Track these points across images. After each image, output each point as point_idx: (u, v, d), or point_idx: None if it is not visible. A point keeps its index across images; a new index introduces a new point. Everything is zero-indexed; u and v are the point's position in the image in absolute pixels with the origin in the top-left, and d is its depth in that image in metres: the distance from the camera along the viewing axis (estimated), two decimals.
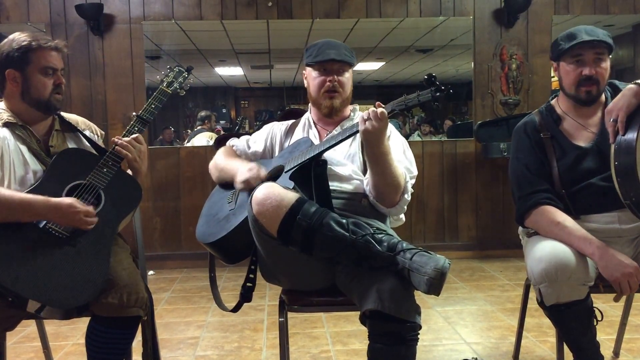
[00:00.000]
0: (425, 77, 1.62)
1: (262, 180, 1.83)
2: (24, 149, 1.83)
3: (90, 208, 1.73)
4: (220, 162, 2.10)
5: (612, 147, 1.76)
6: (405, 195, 1.87)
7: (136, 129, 1.93)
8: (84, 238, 1.72)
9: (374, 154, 1.75)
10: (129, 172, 1.96)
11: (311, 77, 2.04)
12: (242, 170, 1.90)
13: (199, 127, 5.58)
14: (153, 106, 1.98)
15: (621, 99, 1.76)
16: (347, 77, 2.02)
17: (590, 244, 1.78)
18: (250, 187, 1.83)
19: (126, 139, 1.90)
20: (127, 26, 4.53)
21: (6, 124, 1.83)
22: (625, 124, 1.73)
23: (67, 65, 1.95)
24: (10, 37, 1.84)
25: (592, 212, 1.92)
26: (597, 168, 1.90)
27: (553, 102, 2.08)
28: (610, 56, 1.96)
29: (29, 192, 1.74)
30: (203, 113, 5.72)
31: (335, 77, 1.98)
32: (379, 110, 1.67)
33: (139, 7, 4.53)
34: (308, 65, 2.04)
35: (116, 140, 1.89)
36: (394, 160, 1.80)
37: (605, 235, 1.88)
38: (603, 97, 2.01)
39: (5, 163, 1.79)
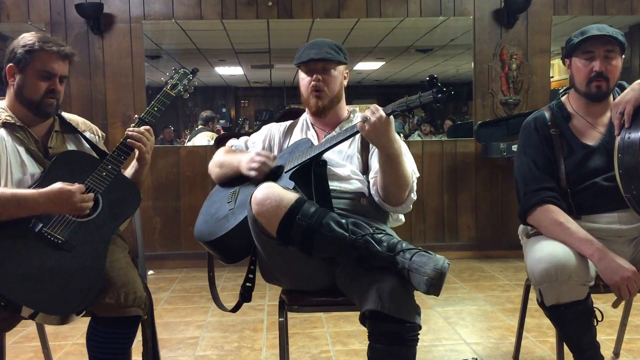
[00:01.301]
0: (427, 78, 1.62)
1: (275, 157, 1.86)
2: (21, 150, 1.81)
3: (82, 186, 1.71)
4: (220, 158, 2.10)
5: (617, 139, 1.77)
6: (412, 194, 1.87)
7: None
8: (79, 243, 1.70)
9: (387, 155, 1.74)
10: (131, 169, 1.95)
11: (300, 78, 2.05)
12: (249, 157, 1.91)
13: (200, 127, 5.55)
14: (156, 109, 1.95)
15: (629, 92, 1.78)
16: (334, 75, 2.00)
17: (591, 246, 1.78)
18: (268, 168, 1.85)
19: (140, 129, 1.88)
20: (127, 25, 4.53)
21: (4, 124, 1.81)
22: (632, 119, 1.74)
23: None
24: (24, 34, 1.84)
25: (594, 212, 1.92)
26: (604, 167, 1.90)
27: (564, 99, 2.07)
28: (623, 56, 1.96)
29: None
30: (206, 114, 5.64)
31: (319, 76, 1.97)
32: (372, 105, 1.68)
33: (139, 7, 4.53)
34: (296, 66, 2.05)
35: (129, 132, 1.87)
36: (405, 162, 1.80)
37: (605, 235, 1.89)
38: (612, 98, 2.01)
39: (2, 165, 1.77)
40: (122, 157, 1.85)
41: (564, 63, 2.06)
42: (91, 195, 1.73)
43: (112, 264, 1.77)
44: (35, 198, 1.66)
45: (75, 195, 1.68)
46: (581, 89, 1.97)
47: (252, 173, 1.88)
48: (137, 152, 1.90)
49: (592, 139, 1.97)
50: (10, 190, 1.68)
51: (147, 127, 1.90)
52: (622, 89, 2.00)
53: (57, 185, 1.68)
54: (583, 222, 1.89)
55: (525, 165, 1.98)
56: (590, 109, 2.00)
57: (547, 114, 2.04)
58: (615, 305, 1.83)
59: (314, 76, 1.97)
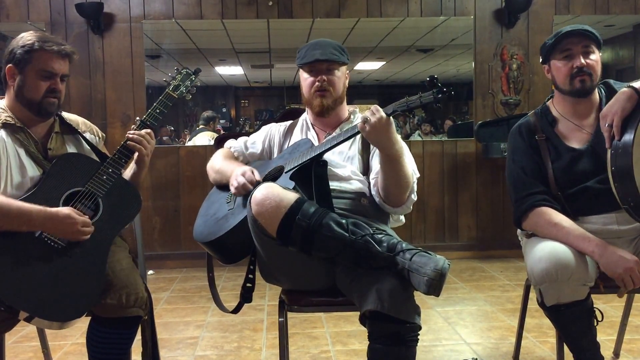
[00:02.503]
0: (427, 78, 1.62)
1: (258, 182, 1.83)
2: (21, 152, 1.78)
3: (87, 219, 1.70)
4: (217, 165, 2.09)
5: (609, 152, 1.75)
6: (412, 195, 1.87)
7: None
8: (79, 248, 1.69)
9: (387, 156, 1.74)
10: (133, 167, 1.93)
11: (303, 78, 2.04)
12: (236, 174, 1.89)
13: (201, 127, 5.55)
14: (158, 111, 1.91)
15: (615, 103, 1.76)
16: (338, 76, 2.00)
17: (590, 243, 1.78)
18: (246, 190, 1.82)
19: (142, 132, 1.86)
20: (127, 25, 4.53)
21: (4, 125, 1.79)
22: (621, 128, 1.73)
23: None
24: (23, 34, 1.81)
25: (589, 214, 1.92)
26: (593, 170, 1.90)
27: (549, 103, 2.08)
28: (601, 53, 1.96)
29: (25, 198, 1.70)
30: (208, 114, 5.65)
31: (324, 76, 1.97)
32: (373, 106, 1.68)
33: (139, 6, 4.53)
34: (299, 67, 2.04)
35: (130, 134, 1.85)
36: (406, 163, 1.80)
37: (604, 236, 1.87)
38: (597, 97, 2.00)
39: (2, 167, 1.75)
40: (123, 160, 1.83)
41: (543, 69, 2.05)
42: (92, 229, 1.71)
43: (114, 264, 1.76)
44: (40, 218, 1.65)
45: (77, 225, 1.67)
46: (565, 87, 1.96)
47: (232, 188, 1.88)
48: (136, 154, 1.89)
49: (579, 141, 1.96)
50: (16, 204, 1.66)
51: (148, 130, 1.88)
52: (609, 87, 2.00)
53: (66, 210, 1.68)
54: (580, 224, 1.88)
55: (515, 172, 1.99)
56: (575, 109, 1.99)
57: (532, 120, 2.04)
58: (620, 294, 1.82)
59: (319, 77, 1.97)
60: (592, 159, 1.91)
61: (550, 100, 2.08)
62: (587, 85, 1.94)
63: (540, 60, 2.04)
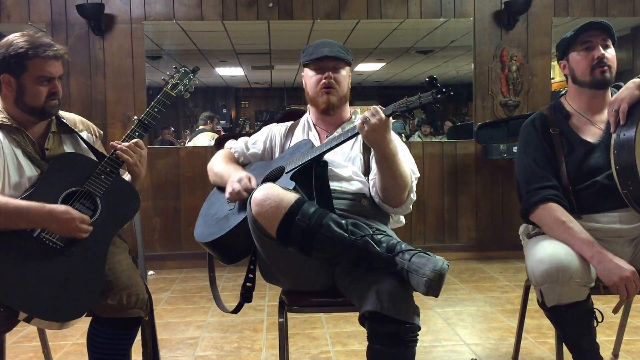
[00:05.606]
0: (427, 79, 1.63)
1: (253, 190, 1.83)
2: (18, 152, 1.78)
3: (85, 215, 1.70)
4: (216, 167, 2.08)
5: (613, 136, 1.81)
6: (412, 195, 1.87)
7: (137, 133, 1.86)
8: (78, 248, 1.69)
9: (382, 155, 1.75)
10: (128, 176, 1.92)
11: (308, 77, 2.05)
12: (232, 180, 1.88)
13: (200, 127, 5.58)
14: (156, 110, 1.89)
15: (624, 90, 1.83)
16: (344, 75, 2.02)
17: (590, 248, 1.78)
18: (240, 198, 1.82)
19: (126, 143, 1.83)
20: (128, 26, 4.54)
21: (1, 127, 1.78)
22: (627, 116, 1.77)
23: (67, 65, 1.88)
24: (10, 38, 1.77)
25: (594, 212, 1.92)
26: (605, 164, 1.91)
27: (562, 99, 2.09)
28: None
29: (23, 198, 1.70)
30: (206, 114, 5.71)
31: (331, 73, 1.98)
32: (372, 107, 1.69)
33: (139, 7, 4.53)
34: (304, 65, 2.05)
35: (116, 145, 1.84)
36: (402, 161, 1.80)
37: (605, 235, 1.89)
38: (610, 95, 2.02)
39: None
40: (115, 168, 1.82)
41: (559, 65, 2.07)
42: (90, 228, 1.71)
43: (114, 265, 1.76)
44: (38, 214, 1.65)
45: (74, 221, 1.67)
46: (585, 79, 1.98)
47: (226, 194, 1.88)
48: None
49: (592, 135, 1.98)
50: (13, 202, 1.66)
51: (135, 140, 1.85)
52: (619, 89, 2.01)
53: (63, 206, 1.68)
54: (584, 222, 1.89)
55: (527, 164, 1.99)
56: (590, 104, 2.00)
57: (546, 114, 2.05)
58: (615, 310, 1.83)
59: (326, 74, 1.98)
60: (604, 154, 1.92)
61: (563, 96, 2.09)
62: (608, 77, 1.96)
63: (557, 57, 2.06)
